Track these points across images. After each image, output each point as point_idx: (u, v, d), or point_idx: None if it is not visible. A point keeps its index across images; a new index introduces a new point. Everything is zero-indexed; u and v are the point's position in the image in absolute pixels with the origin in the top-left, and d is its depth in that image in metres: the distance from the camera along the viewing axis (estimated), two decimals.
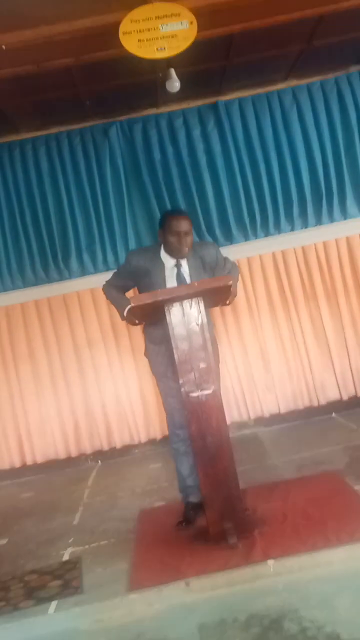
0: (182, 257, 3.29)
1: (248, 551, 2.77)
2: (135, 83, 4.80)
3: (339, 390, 5.48)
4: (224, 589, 2.55)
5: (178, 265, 3.31)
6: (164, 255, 3.32)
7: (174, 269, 3.31)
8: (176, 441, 3.42)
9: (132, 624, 2.43)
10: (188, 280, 3.30)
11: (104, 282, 3.59)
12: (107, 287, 3.56)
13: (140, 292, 3.40)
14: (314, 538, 2.79)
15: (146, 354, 3.57)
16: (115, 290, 3.52)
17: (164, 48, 3.30)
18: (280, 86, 5.44)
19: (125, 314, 3.33)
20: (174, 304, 3.04)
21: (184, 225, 3.23)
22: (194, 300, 3.05)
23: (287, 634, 2.16)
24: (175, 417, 3.35)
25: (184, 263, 3.32)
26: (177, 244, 3.23)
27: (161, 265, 3.31)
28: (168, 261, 3.31)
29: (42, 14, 3.45)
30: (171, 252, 3.28)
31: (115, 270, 3.63)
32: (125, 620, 2.47)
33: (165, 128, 5.38)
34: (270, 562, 2.64)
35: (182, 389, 2.99)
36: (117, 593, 2.62)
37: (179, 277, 3.31)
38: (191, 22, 3.26)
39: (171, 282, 3.30)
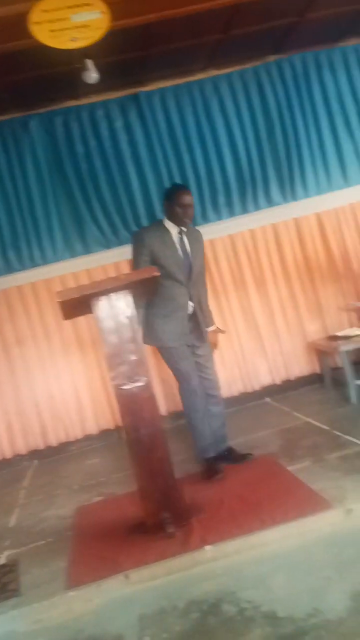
0: (184, 226, 3.77)
1: (186, 539, 2.79)
2: (53, 74, 4.71)
3: (272, 374, 5.59)
4: (163, 579, 2.56)
5: (181, 233, 3.78)
6: (168, 224, 3.77)
7: (178, 236, 3.77)
8: (196, 401, 3.70)
9: (72, 621, 2.41)
10: (189, 249, 3.79)
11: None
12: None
13: (153, 263, 3.63)
14: (249, 521, 2.84)
15: (149, 332, 3.75)
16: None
17: (77, 38, 3.25)
18: (200, 76, 5.46)
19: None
20: (101, 298, 3.01)
21: (189, 199, 3.75)
22: (122, 294, 3.03)
23: (225, 616, 2.19)
24: (194, 377, 3.71)
25: (184, 234, 3.79)
26: (183, 215, 3.71)
27: (168, 232, 3.75)
28: (173, 229, 3.76)
29: None
30: (176, 221, 3.75)
31: (134, 258, 3.75)
32: (64, 618, 2.44)
33: (87, 120, 5.31)
34: (208, 547, 2.66)
35: (113, 382, 2.98)
36: (55, 592, 2.59)
37: (182, 243, 3.77)
38: (103, 12, 3.21)
39: (176, 246, 3.76)
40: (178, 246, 3.74)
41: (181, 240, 3.77)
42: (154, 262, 3.65)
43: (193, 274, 3.78)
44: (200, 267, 3.89)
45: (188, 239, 3.80)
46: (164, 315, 3.72)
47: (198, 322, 3.81)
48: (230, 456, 3.82)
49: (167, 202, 3.78)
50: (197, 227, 5.38)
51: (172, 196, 3.75)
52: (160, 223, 3.83)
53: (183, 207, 3.69)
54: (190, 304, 3.77)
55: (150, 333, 3.75)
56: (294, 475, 3.32)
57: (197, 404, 3.70)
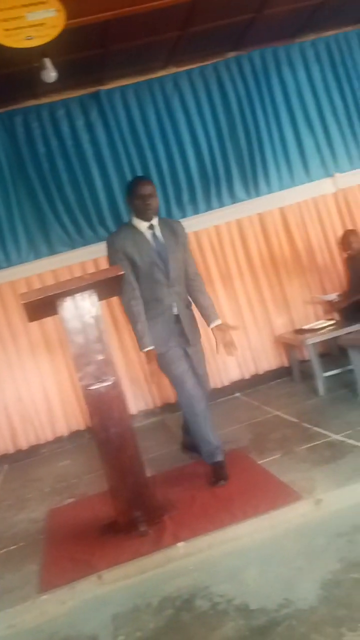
0: (150, 219, 3.45)
1: (158, 537, 2.79)
2: (11, 73, 4.67)
3: (241, 369, 5.62)
4: (136, 577, 2.55)
5: (152, 227, 3.47)
6: (137, 222, 3.48)
7: (148, 231, 3.46)
8: (192, 404, 3.40)
9: (45, 624, 2.39)
10: (162, 241, 3.45)
11: (123, 296, 3.39)
12: (129, 300, 3.40)
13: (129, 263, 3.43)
14: (221, 516, 2.85)
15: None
16: (135, 301, 3.40)
17: (33, 37, 3.22)
18: (160, 73, 5.49)
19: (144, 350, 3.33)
20: (66, 299, 2.98)
21: (147, 189, 3.43)
22: (87, 293, 3.01)
23: (198, 611, 2.20)
24: (187, 380, 3.38)
25: (155, 227, 3.48)
26: (143, 206, 3.40)
27: (138, 231, 3.46)
28: (141, 225, 3.46)
29: None
30: (141, 216, 3.45)
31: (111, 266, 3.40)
32: (38, 622, 2.42)
33: (48, 119, 5.28)
34: (180, 544, 2.67)
35: (81, 383, 2.96)
36: (28, 596, 2.56)
37: (155, 239, 3.45)
38: (58, 10, 3.19)
39: (149, 243, 3.45)
40: (152, 243, 3.45)
41: (154, 235, 3.47)
42: (132, 265, 3.41)
43: (170, 269, 3.44)
44: (180, 262, 3.51)
45: (162, 233, 3.49)
46: (149, 319, 3.43)
47: (182, 324, 3.47)
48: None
49: (128, 198, 3.53)
50: None
51: (131, 190, 3.49)
52: (128, 223, 3.56)
53: (142, 199, 3.40)
54: (175, 304, 3.46)
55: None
56: (264, 469, 3.34)
57: (195, 409, 3.40)
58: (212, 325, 3.53)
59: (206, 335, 3.76)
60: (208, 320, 3.55)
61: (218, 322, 3.53)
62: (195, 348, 3.55)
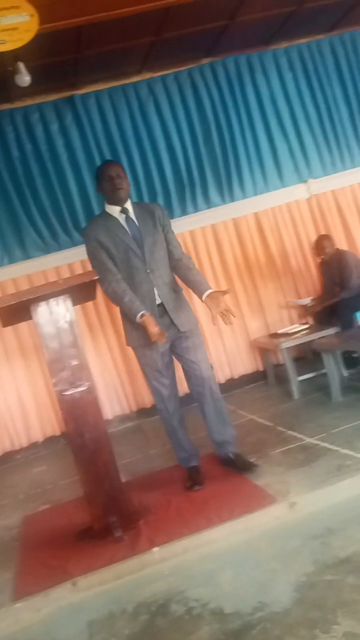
0: (121, 202, 3.30)
1: (134, 542, 2.79)
2: None
3: (216, 373, 5.61)
4: (112, 583, 2.55)
5: (125, 211, 3.31)
6: (109, 208, 3.34)
7: (121, 215, 3.31)
8: (167, 418, 3.47)
9: (20, 633, 2.37)
10: (137, 224, 3.30)
11: (104, 284, 3.24)
12: (110, 284, 3.24)
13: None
14: (196, 520, 2.86)
15: (126, 332, 3.41)
16: (116, 283, 3.23)
17: (5, 41, 3.21)
18: (135, 79, 5.49)
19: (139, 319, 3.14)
20: (40, 304, 2.97)
21: (114, 169, 3.29)
22: (61, 298, 3.00)
23: (173, 616, 2.20)
24: (165, 393, 3.40)
25: (129, 209, 3.33)
26: (112, 188, 3.26)
27: (111, 218, 3.31)
28: (114, 210, 3.32)
29: None
30: (110, 200, 3.31)
31: (92, 263, 3.30)
32: (12, 630, 2.40)
33: (22, 123, 5.25)
34: (156, 549, 2.67)
35: (55, 388, 2.94)
36: (2, 604, 2.54)
37: (129, 221, 3.30)
38: (31, 15, 3.19)
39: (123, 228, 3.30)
40: (126, 227, 3.28)
41: (127, 219, 3.30)
42: (108, 253, 3.25)
43: (147, 253, 3.25)
44: (159, 245, 3.32)
45: (136, 216, 3.32)
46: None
47: (168, 313, 3.28)
48: (235, 462, 3.41)
49: (98, 185, 3.37)
50: None
51: (99, 174, 3.34)
52: (102, 212, 3.40)
53: (110, 181, 3.24)
54: (156, 289, 3.27)
55: (126, 333, 3.39)
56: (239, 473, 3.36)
57: (169, 417, 3.43)
58: (204, 296, 3.21)
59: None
60: (199, 293, 3.25)
61: (209, 291, 3.22)
62: (192, 333, 3.37)
